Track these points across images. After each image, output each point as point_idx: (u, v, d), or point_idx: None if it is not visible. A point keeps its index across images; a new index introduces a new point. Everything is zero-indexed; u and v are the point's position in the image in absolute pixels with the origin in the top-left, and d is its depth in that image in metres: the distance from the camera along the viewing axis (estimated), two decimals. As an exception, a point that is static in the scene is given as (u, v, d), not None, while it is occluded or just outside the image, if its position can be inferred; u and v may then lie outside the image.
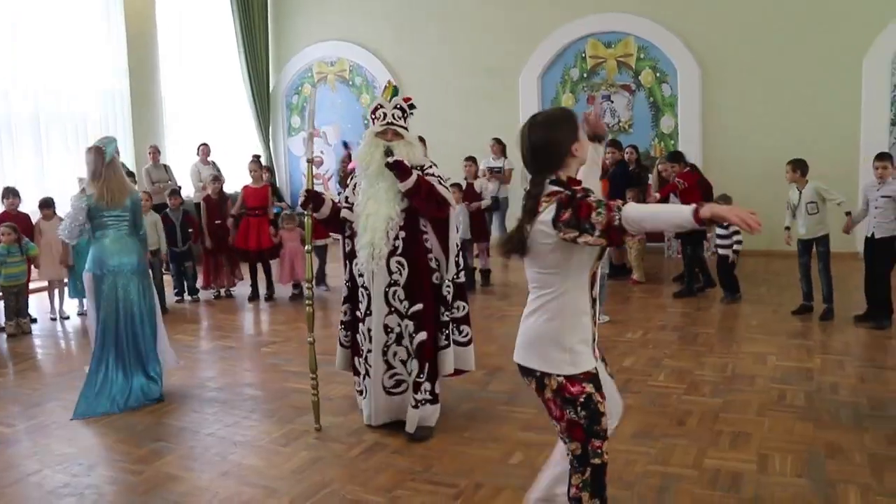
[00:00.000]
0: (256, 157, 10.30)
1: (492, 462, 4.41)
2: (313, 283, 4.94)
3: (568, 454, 3.00)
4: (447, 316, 4.85)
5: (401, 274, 4.67)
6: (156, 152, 11.06)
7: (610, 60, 11.79)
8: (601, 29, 11.74)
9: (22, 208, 8.63)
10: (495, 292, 9.27)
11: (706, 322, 7.46)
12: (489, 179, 10.19)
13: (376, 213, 4.64)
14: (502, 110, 12.27)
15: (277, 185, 13.31)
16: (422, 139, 9.94)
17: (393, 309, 4.70)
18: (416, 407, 4.73)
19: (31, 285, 8.70)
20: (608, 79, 11.83)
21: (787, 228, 7.66)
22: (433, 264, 4.80)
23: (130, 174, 9.99)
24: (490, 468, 4.32)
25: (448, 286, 4.85)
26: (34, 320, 8.53)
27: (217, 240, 9.43)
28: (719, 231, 8.23)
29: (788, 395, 5.32)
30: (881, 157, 7.02)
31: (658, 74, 11.50)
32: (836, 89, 10.40)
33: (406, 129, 4.78)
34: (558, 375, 2.89)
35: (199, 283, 9.59)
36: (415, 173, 4.62)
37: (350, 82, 13.74)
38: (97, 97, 11.39)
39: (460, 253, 5.00)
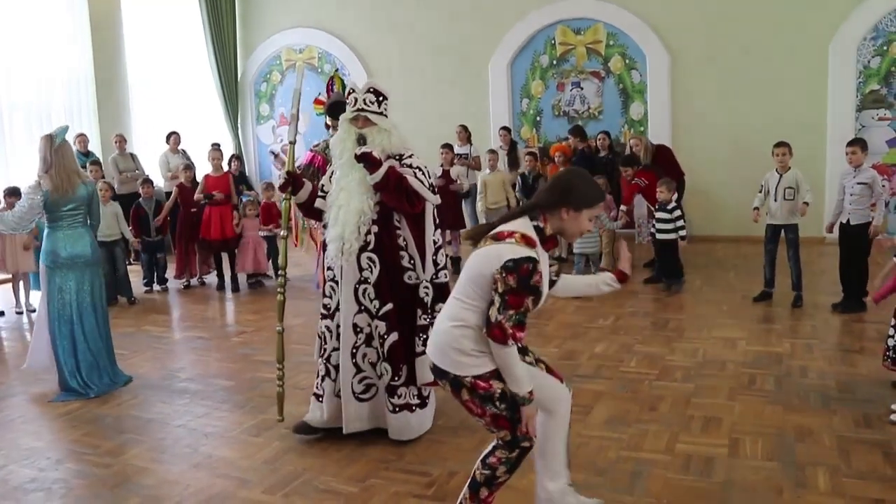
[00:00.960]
0: (216, 146, 10.19)
1: (465, 450, 4.39)
2: (286, 271, 4.72)
3: (498, 440, 3.15)
4: (425, 319, 4.47)
5: (371, 271, 4.39)
6: (122, 141, 10.89)
7: (579, 47, 11.80)
8: (570, 15, 11.74)
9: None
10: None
11: (677, 308, 7.51)
12: (460, 165, 10.21)
13: (347, 205, 4.37)
14: (472, 97, 12.26)
15: (246, 173, 13.18)
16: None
17: (363, 307, 4.41)
18: (393, 412, 4.46)
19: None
20: (577, 65, 11.84)
21: (756, 209, 7.55)
22: (407, 262, 4.48)
23: (96, 163, 9.88)
24: (463, 456, 4.31)
25: (426, 287, 4.51)
26: (1, 313, 8.39)
27: (189, 228, 9.31)
28: (660, 215, 8.25)
29: (758, 379, 5.37)
30: (851, 142, 7.06)
31: (627, 61, 11.53)
32: (803, 75, 10.50)
33: (381, 114, 4.45)
34: (469, 377, 3.04)
35: (172, 273, 9.50)
36: (384, 165, 4.30)
37: (319, 69, 13.62)
38: (61, 85, 11.19)
39: (438, 251, 4.61)
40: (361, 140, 4.33)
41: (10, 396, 5.71)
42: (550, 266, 3.24)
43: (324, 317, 4.59)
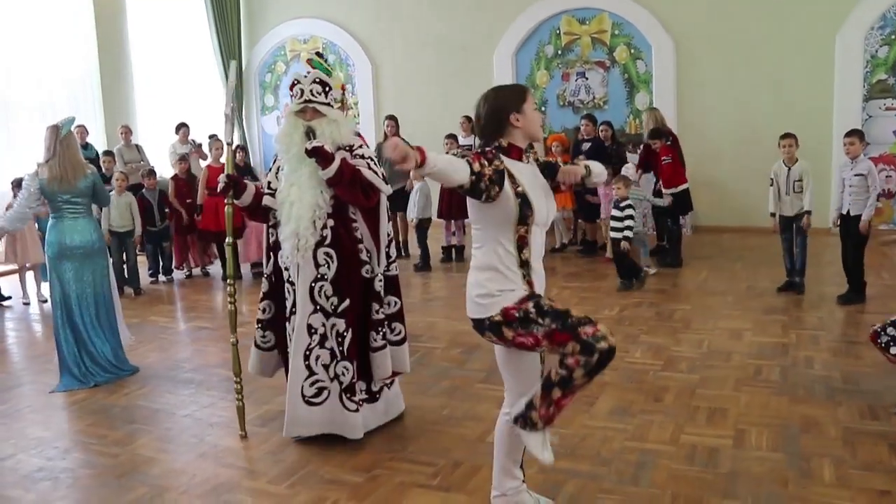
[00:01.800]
0: (214, 136, 10.21)
1: (469, 440, 4.41)
2: (234, 279, 4.51)
3: (571, 358, 2.90)
4: (381, 313, 4.39)
5: (329, 267, 4.23)
6: (127, 132, 10.89)
7: (584, 37, 11.77)
8: (575, 5, 11.70)
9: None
10: (467, 269, 9.23)
11: (682, 298, 7.50)
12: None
13: (300, 200, 4.20)
14: (477, 88, 12.05)
15: (251, 164, 13.18)
16: (393, 118, 10.03)
17: (318, 307, 4.24)
18: (356, 411, 4.31)
19: (3, 268, 8.60)
20: (583, 56, 11.81)
21: (773, 215, 7.44)
22: (364, 256, 4.34)
23: (109, 153, 9.91)
24: (468, 446, 4.32)
25: (380, 280, 4.40)
26: (7, 297, 8.43)
27: (187, 219, 9.36)
28: (614, 213, 8.22)
29: (764, 370, 5.36)
30: (849, 133, 7.04)
31: (633, 51, 11.50)
32: (810, 65, 10.45)
33: (329, 104, 4.32)
34: (496, 315, 3.01)
35: (174, 263, 9.55)
36: (337, 159, 4.13)
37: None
38: (66, 77, 11.20)
39: (390, 243, 4.55)
40: (310, 133, 4.19)
41: (18, 386, 5.74)
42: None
43: (266, 324, 4.55)
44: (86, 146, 10.42)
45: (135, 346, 6.33)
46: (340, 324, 4.25)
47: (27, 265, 8.56)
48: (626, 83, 11.61)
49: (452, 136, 9.87)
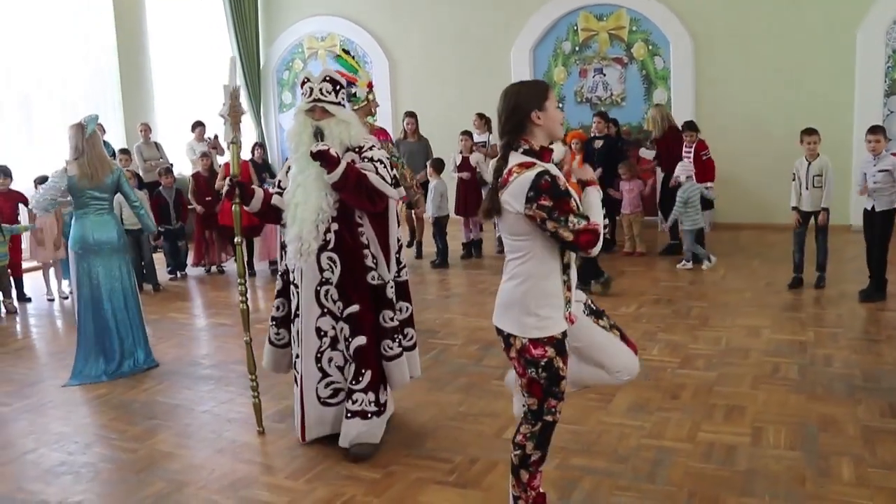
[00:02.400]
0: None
1: (486, 437, 4.42)
2: (245, 278, 4.50)
3: (524, 406, 3.16)
4: (395, 320, 4.31)
5: (332, 272, 4.14)
6: (147, 130, 10.98)
7: (602, 33, 11.72)
8: (593, 1, 11.65)
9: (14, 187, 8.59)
10: (486, 266, 9.26)
11: (700, 295, 7.47)
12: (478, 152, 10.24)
13: (305, 202, 4.10)
14: (494, 84, 12.09)
15: (269, 161, 13.24)
16: (412, 114, 10.03)
17: (326, 310, 4.18)
18: (349, 418, 4.20)
19: (25, 265, 8.69)
20: (600, 52, 11.76)
21: (796, 209, 7.41)
22: (369, 262, 4.22)
23: (125, 151, 9.98)
24: (484, 443, 4.33)
25: (391, 287, 4.31)
26: (28, 300, 8.51)
27: (207, 216, 9.40)
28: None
29: (782, 367, 5.33)
30: (874, 130, 6.97)
31: (650, 47, 11.44)
32: (830, 61, 10.36)
33: (339, 104, 4.21)
34: (523, 338, 3.04)
35: (190, 260, 9.60)
36: (343, 163, 4.01)
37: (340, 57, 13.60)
38: (86, 75, 11.29)
39: (401, 249, 4.52)
40: (319, 133, 4.07)
41: (39, 382, 5.80)
42: None
43: (280, 322, 4.51)
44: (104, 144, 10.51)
45: (154, 343, 6.38)
46: (347, 328, 4.18)
47: (50, 261, 8.64)
48: (644, 79, 11.56)
49: (468, 133, 9.87)
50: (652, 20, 11.30)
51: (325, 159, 3.96)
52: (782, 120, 10.23)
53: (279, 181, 4.40)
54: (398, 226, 4.34)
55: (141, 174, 10.14)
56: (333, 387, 4.25)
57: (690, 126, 9.09)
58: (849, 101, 10.29)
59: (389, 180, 4.19)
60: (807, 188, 7.26)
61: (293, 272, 4.24)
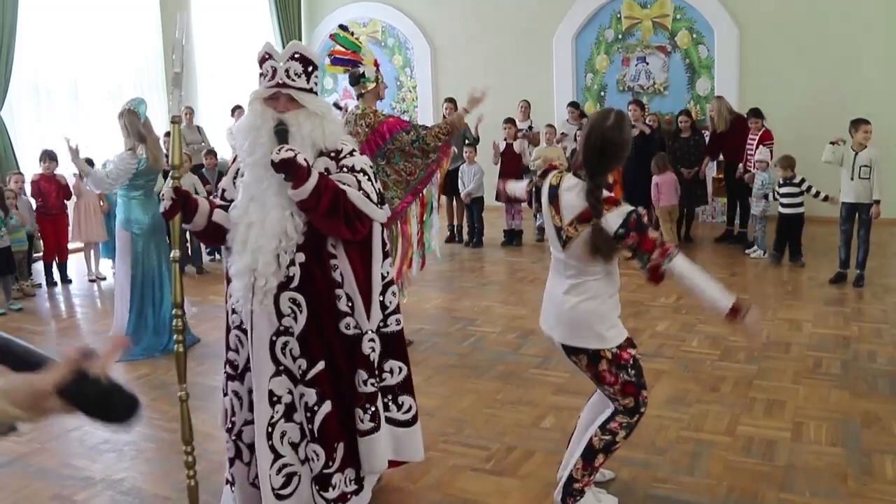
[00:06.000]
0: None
1: (523, 425, 4.42)
2: (183, 309, 3.37)
3: (615, 405, 3.31)
4: (372, 385, 3.20)
5: (295, 318, 3.07)
6: (190, 113, 11.10)
7: (645, 21, 11.58)
8: (637, -11, 11.53)
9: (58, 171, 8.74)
10: (525, 254, 9.24)
11: (741, 288, 7.38)
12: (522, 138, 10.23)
13: (261, 223, 3.04)
14: (536, 71, 12.14)
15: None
16: (452, 100, 10.01)
17: (282, 368, 3.10)
18: None
19: (70, 246, 8.86)
20: (643, 40, 11.62)
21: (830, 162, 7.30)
22: (344, 305, 3.14)
23: (169, 135, 10.10)
24: (522, 431, 4.34)
25: (372, 340, 3.21)
26: (69, 280, 8.67)
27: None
28: (785, 190, 8.09)
29: (824, 362, 5.26)
30: None
31: (694, 36, 11.28)
32: (881, 48, 10.11)
33: (311, 91, 3.17)
34: (613, 348, 3.22)
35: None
36: (314, 175, 2.96)
37: (383, 43, 13.64)
38: (132, 60, 11.44)
39: (388, 289, 3.30)
40: (282, 132, 3.02)
41: (83, 361, 5.92)
42: None
43: (230, 377, 3.33)
44: None
45: (195, 325, 6.47)
46: (310, 394, 3.09)
47: (93, 242, 8.81)
48: (688, 68, 11.41)
49: (511, 121, 9.88)
50: (696, 8, 11.13)
51: (291, 170, 2.92)
52: (830, 110, 10.01)
53: (223, 190, 3.32)
54: (385, 258, 3.29)
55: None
56: (286, 471, 3.15)
57: (756, 114, 8.99)
58: (900, 91, 10.04)
59: (375, 198, 3.15)
60: (852, 179, 7.12)
61: (238, 314, 3.18)
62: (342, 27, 5.66)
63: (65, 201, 8.62)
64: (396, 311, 3.34)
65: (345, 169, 3.12)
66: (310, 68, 3.13)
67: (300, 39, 14.08)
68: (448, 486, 3.77)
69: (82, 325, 7.12)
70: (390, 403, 3.35)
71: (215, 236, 3.25)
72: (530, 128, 10.56)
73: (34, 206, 8.40)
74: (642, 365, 3.32)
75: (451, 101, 10.08)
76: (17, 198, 8.10)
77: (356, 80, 5.42)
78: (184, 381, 3.34)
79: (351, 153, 3.18)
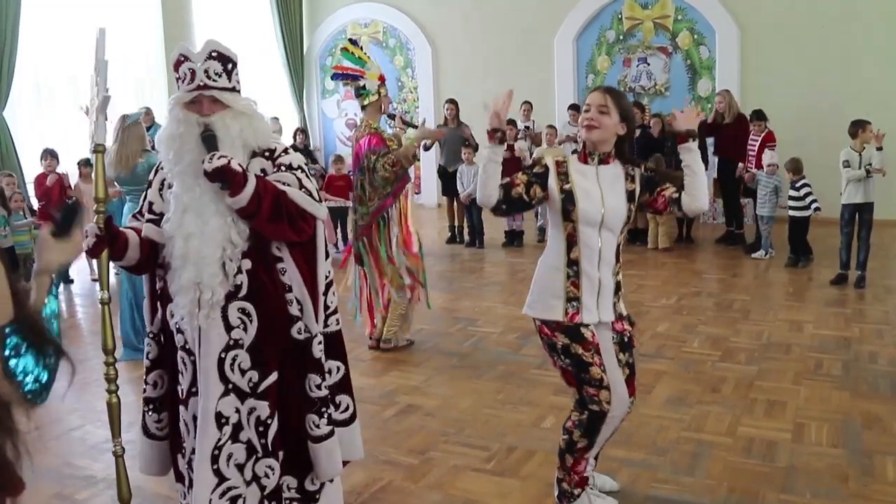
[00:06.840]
0: (275, 119, 10.36)
1: (524, 426, 4.43)
2: (115, 357, 3.21)
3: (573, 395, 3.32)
4: (323, 388, 3.01)
5: (245, 329, 2.88)
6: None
7: (647, 22, 11.58)
8: (638, -11, 11.53)
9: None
10: (526, 255, 9.24)
11: (742, 289, 7.39)
12: (522, 138, 10.22)
13: (202, 233, 2.82)
14: (537, 72, 12.14)
15: (311, 148, 13.33)
16: (453, 101, 10.01)
17: (230, 386, 2.86)
18: None
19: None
20: (644, 41, 11.63)
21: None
22: (294, 310, 2.97)
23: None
24: (522, 432, 4.34)
25: (320, 343, 3.04)
26: (71, 281, 8.68)
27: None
28: (791, 194, 8.09)
29: (825, 363, 5.26)
30: None
31: (696, 36, 11.28)
32: (883, 48, 10.11)
33: (234, 90, 2.96)
34: (537, 320, 3.29)
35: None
36: (251, 180, 2.79)
37: (384, 44, 13.65)
38: (132, 58, 11.45)
39: (329, 289, 3.13)
40: (209, 138, 2.81)
41: (85, 360, 5.92)
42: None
43: (158, 405, 3.15)
44: (150, 127, 10.65)
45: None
46: (263, 407, 2.90)
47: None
48: (689, 69, 11.41)
49: (512, 122, 9.86)
50: (698, 9, 11.13)
51: (227, 178, 2.75)
52: (832, 111, 10.00)
53: (150, 203, 3.05)
54: (327, 257, 3.14)
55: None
56: (231, 494, 2.90)
57: (759, 116, 8.99)
58: (897, 91, 10.04)
59: (316, 195, 3.01)
60: (859, 181, 7.13)
61: (183, 333, 2.93)
62: (352, 41, 5.78)
63: (67, 201, 8.62)
64: (335, 311, 3.18)
65: (282, 167, 2.96)
66: (230, 66, 2.94)
67: (302, 40, 14.11)
68: (449, 487, 3.78)
69: (84, 325, 7.13)
70: (331, 406, 3.13)
71: (152, 263, 3.02)
72: (527, 127, 10.58)
73: (36, 207, 8.41)
74: (584, 357, 3.15)
75: (451, 101, 10.08)
76: (23, 200, 8.10)
77: (357, 92, 5.54)
78: (118, 436, 3.16)
79: (285, 151, 3.04)
